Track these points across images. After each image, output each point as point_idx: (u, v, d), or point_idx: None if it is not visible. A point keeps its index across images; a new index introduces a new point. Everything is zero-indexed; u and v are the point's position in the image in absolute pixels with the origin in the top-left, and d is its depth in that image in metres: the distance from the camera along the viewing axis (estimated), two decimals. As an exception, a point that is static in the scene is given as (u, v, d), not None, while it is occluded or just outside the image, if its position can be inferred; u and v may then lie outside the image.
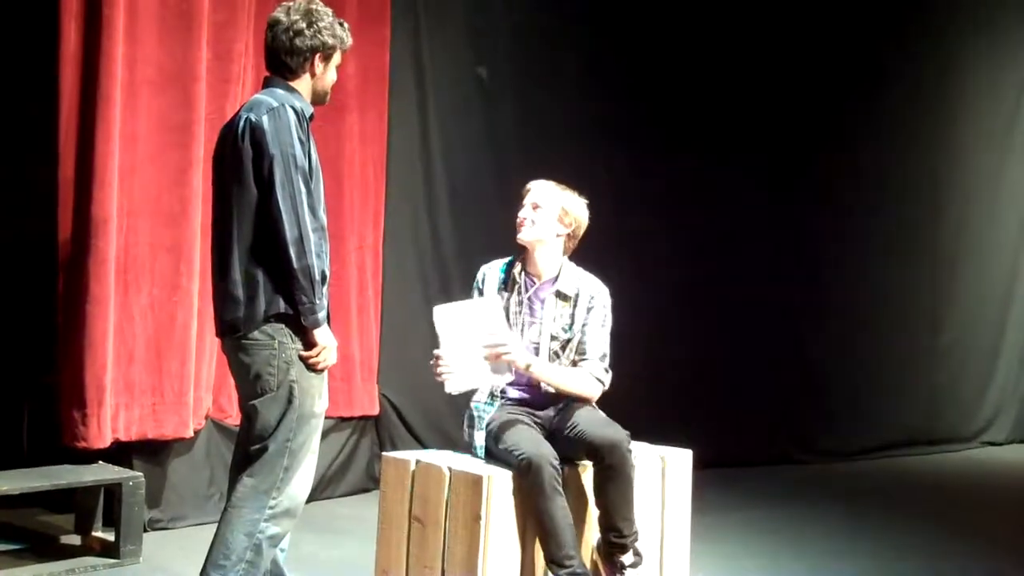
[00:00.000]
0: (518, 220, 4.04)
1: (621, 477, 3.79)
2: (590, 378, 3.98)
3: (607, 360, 4.03)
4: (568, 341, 4.00)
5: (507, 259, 4.14)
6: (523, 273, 4.08)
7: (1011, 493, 7.03)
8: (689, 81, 7.19)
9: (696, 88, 7.21)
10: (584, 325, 4.00)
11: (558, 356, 3.99)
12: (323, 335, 3.36)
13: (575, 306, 4.01)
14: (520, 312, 4.03)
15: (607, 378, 4.03)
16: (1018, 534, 5.84)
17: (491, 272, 4.12)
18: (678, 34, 7.18)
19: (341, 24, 3.55)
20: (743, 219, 7.28)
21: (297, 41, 3.44)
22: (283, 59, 3.47)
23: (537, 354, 3.97)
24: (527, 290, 4.05)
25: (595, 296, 4.03)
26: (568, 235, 4.07)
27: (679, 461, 4.29)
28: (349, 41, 3.57)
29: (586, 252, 4.20)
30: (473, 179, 6.44)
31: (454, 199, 6.38)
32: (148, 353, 4.86)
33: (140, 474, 4.63)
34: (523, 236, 4.03)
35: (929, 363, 8.27)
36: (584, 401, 3.99)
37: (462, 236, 6.34)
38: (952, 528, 5.79)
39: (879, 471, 7.38)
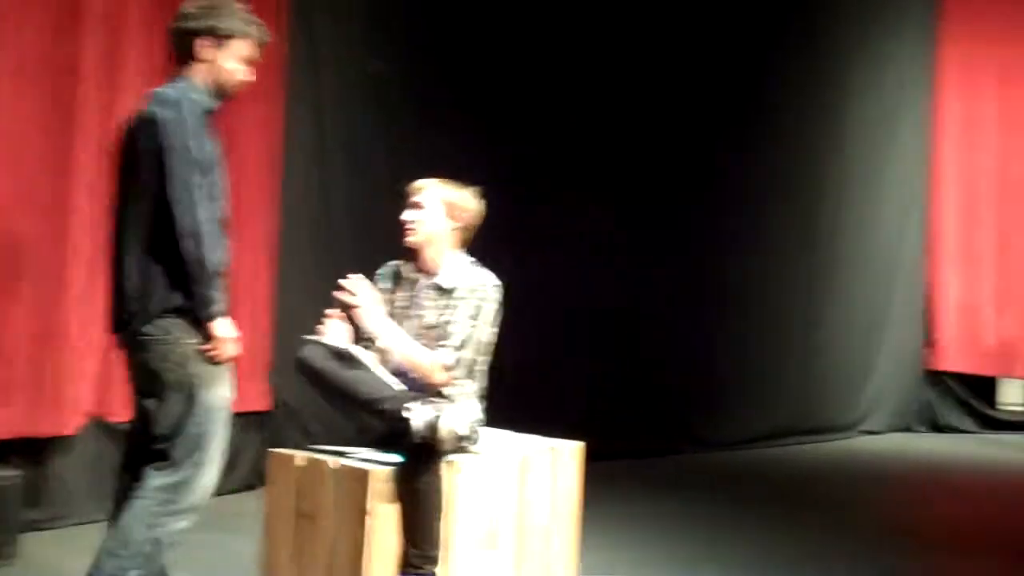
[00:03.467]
0: (403, 222, 4.00)
1: (403, 488, 3.74)
2: (433, 364, 3.83)
3: (466, 352, 3.88)
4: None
5: (407, 256, 4.13)
6: (413, 269, 4.08)
7: (889, 481, 7.25)
8: (575, 82, 7.17)
9: (581, 87, 7.20)
10: (453, 311, 3.91)
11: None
12: (221, 327, 3.33)
13: (453, 299, 3.95)
14: (407, 308, 4.02)
15: (458, 368, 3.87)
16: (892, 521, 6.02)
17: (388, 270, 4.14)
18: (568, 36, 7.17)
19: (250, 18, 3.49)
20: (630, 215, 7.35)
21: (183, 23, 3.43)
22: (174, 44, 3.45)
23: None
24: (416, 286, 4.05)
25: (475, 289, 3.93)
26: (460, 228, 4.03)
27: (569, 453, 4.33)
28: (256, 33, 3.50)
29: (484, 249, 4.19)
30: (371, 171, 6.38)
31: (351, 191, 6.31)
32: (26, 350, 4.73)
33: (17, 473, 4.52)
34: (410, 240, 4.00)
35: (810, 355, 8.47)
36: (430, 385, 3.87)
37: (359, 229, 6.27)
38: (830, 517, 5.96)
39: (762, 460, 7.55)
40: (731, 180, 7.94)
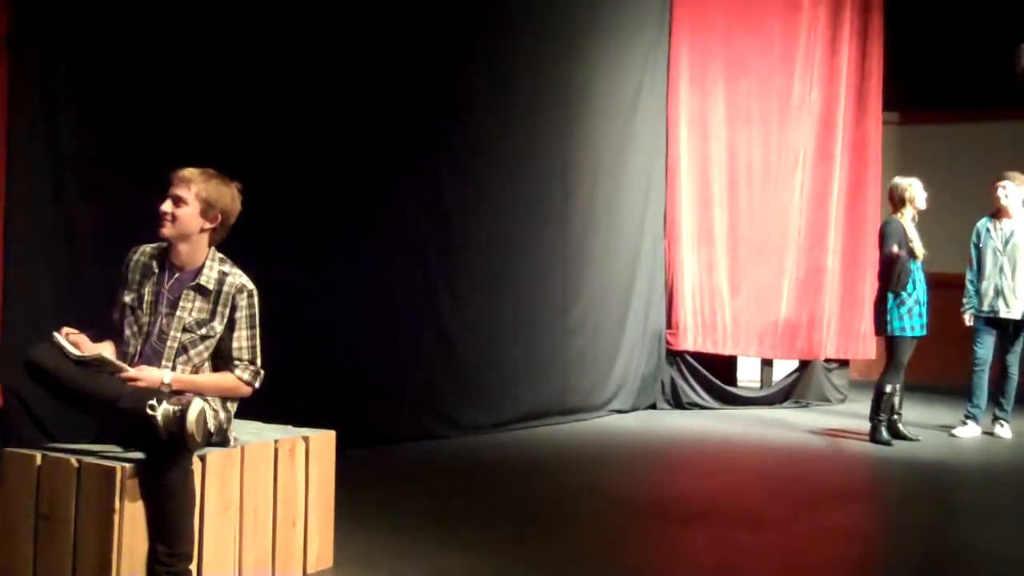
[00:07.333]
0: (160, 212, 3.92)
1: (150, 485, 3.69)
2: (237, 383, 3.98)
3: (258, 360, 4.04)
4: (206, 337, 3.92)
5: (160, 244, 4.04)
6: (166, 263, 3.98)
7: (633, 458, 7.54)
8: (304, 62, 6.89)
9: (319, 70, 6.96)
10: (231, 328, 3.95)
11: (187, 349, 3.91)
12: None
13: (215, 302, 3.94)
14: (157, 303, 3.94)
15: (258, 380, 4.05)
16: (632, 495, 6.28)
17: (139, 257, 4.04)
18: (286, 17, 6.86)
19: None
20: (385, 197, 7.31)
21: None
22: None
23: (164, 343, 3.88)
24: (167, 281, 3.96)
25: (240, 295, 3.96)
26: (216, 228, 3.98)
27: (322, 442, 4.31)
28: None
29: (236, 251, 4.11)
30: (112, 158, 6.05)
31: (88, 178, 5.98)
32: None
33: None
34: (164, 232, 3.93)
35: (562, 340, 8.70)
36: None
37: (98, 218, 5.95)
38: (576, 494, 6.18)
39: (517, 442, 7.68)
40: (492, 170, 8.01)
